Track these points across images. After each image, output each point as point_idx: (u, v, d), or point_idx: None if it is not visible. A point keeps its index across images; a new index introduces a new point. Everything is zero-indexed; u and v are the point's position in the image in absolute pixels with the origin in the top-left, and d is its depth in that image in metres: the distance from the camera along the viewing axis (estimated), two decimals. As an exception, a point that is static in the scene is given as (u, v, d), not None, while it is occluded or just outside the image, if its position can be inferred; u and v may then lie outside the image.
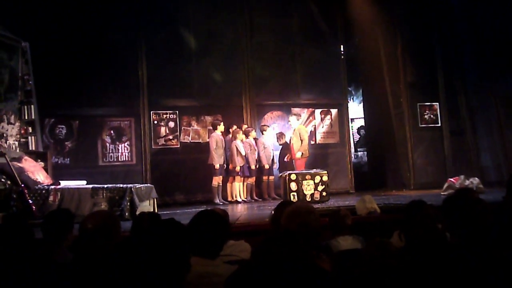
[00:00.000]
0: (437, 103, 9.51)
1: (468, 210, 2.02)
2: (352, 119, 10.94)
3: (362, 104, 11.15)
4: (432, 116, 9.50)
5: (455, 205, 2.10)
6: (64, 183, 6.20)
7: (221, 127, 8.05)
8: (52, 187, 5.88)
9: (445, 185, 7.51)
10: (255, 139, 8.38)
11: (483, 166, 9.15)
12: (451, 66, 9.49)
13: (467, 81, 9.42)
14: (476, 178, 7.49)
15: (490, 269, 1.72)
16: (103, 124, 8.47)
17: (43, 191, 5.78)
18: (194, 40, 8.89)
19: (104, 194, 5.83)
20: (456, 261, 1.77)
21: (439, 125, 9.49)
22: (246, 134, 8.22)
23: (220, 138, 7.96)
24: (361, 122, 11.38)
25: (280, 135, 8.73)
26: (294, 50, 9.46)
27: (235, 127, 8.28)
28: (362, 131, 11.42)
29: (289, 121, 8.62)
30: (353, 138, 11.32)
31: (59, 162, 8.13)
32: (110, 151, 8.44)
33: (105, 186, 6.00)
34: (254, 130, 8.45)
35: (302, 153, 8.04)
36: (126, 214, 5.64)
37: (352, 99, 11.59)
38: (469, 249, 1.86)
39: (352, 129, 10.70)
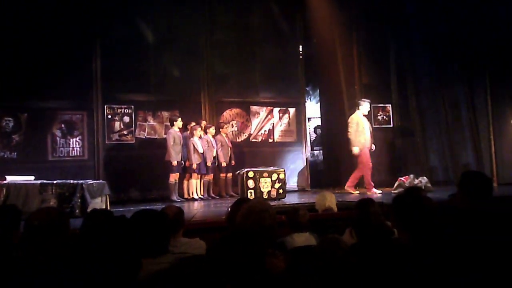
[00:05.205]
0: (390, 105, 9.87)
1: (416, 208, 2.11)
2: (309, 119, 11.10)
3: (319, 103, 11.35)
4: (385, 117, 9.83)
5: (404, 203, 2.18)
6: (10, 178, 5.91)
7: (178, 123, 7.95)
8: (-3, 182, 5.60)
9: (396, 184, 7.81)
10: (213, 136, 8.33)
11: (431, 166, 9.57)
12: (404, 69, 9.85)
13: (418, 84, 9.81)
14: (425, 177, 7.82)
15: (435, 265, 1.80)
16: (53, 118, 8.11)
17: (-13, 187, 5.49)
18: (152, 34, 8.68)
19: (53, 190, 5.65)
20: (403, 257, 1.84)
21: (391, 126, 9.85)
22: (205, 131, 8.16)
23: (178, 135, 7.86)
24: (318, 122, 11.58)
25: None
26: (253, 49, 9.48)
27: (193, 123, 8.19)
28: (319, 130, 11.62)
29: (361, 104, 7.91)
30: (310, 137, 11.50)
31: (5, 156, 7.72)
32: (61, 146, 8.10)
33: (55, 181, 5.81)
34: (213, 127, 8.40)
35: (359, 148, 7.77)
36: (77, 211, 5.53)
37: (310, 98, 11.76)
38: (416, 245, 1.94)
39: (309, 128, 10.85)
